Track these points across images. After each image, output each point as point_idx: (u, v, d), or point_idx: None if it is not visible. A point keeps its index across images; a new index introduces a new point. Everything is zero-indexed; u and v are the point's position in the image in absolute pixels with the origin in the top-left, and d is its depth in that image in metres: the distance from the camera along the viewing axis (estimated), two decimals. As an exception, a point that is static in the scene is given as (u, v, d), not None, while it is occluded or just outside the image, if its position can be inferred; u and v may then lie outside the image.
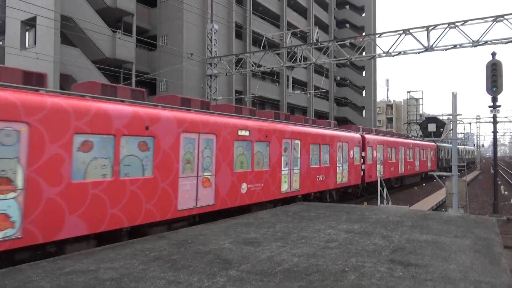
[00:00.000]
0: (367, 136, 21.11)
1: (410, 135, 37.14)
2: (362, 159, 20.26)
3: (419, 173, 32.30)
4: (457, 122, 14.30)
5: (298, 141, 14.53)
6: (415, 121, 46.70)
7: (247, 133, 11.84)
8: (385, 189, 16.39)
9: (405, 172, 27.91)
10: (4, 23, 23.52)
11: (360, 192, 20.89)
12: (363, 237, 7.82)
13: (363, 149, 20.44)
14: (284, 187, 13.67)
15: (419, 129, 48.47)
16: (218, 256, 6.25)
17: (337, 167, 17.50)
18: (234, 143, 11.25)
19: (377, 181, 21.12)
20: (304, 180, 14.84)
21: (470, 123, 57.37)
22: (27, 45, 22.47)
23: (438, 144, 37.97)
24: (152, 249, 6.71)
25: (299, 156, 14.59)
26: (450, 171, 15.05)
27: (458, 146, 54.67)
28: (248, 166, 11.92)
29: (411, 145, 29.35)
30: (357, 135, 20.00)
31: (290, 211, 11.32)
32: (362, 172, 20.15)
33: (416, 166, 30.74)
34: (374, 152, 21.83)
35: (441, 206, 20.14)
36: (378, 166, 22.39)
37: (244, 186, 11.60)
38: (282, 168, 13.56)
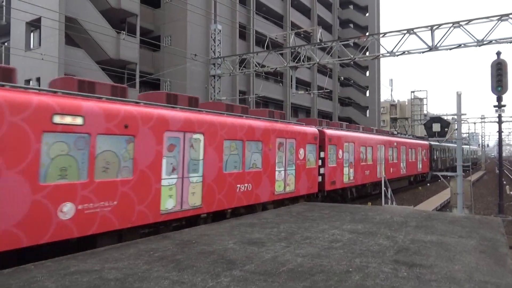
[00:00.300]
0: (328, 131, 16.68)
1: (397, 132, 30.86)
2: (321, 161, 15.95)
3: (406, 177, 27.39)
4: (462, 122, 14.23)
5: (199, 136, 10.08)
6: (403, 118, 43.49)
7: (78, 120, 7.46)
8: (389, 189, 16.22)
9: (387, 176, 22.76)
10: (9, 24, 23.69)
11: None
12: (367, 238, 7.80)
13: (322, 147, 16.08)
14: (168, 204, 9.16)
15: (407, 127, 45.43)
16: (222, 256, 6.25)
17: (276, 172, 13.06)
18: (42, 136, 6.88)
19: (344, 188, 18.01)
20: (210, 192, 10.32)
21: (475, 123, 57.11)
22: (32, 46, 22.62)
23: (431, 142, 33.46)
24: (156, 249, 6.73)
25: (201, 158, 10.10)
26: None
27: (463, 146, 50.57)
28: (81, 175, 7.45)
29: (395, 144, 24.61)
30: (311, 130, 15.36)
31: (294, 211, 11.31)
32: (320, 177, 15.82)
33: (402, 168, 25.78)
34: (340, 151, 17.35)
35: (445, 207, 20.04)
36: (346, 169, 17.92)
37: (68, 207, 7.16)
38: (164, 176, 9.08)
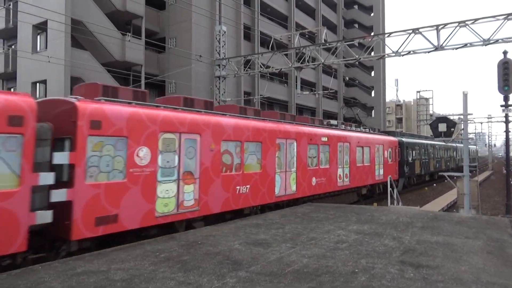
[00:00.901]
0: (90, 106, 7.52)
1: (340, 123, 19.71)
2: (60, 174, 7.14)
3: (351, 190, 18.10)
4: (468, 121, 14.14)
5: None
6: (363, 105, 36.19)
7: None
8: (395, 190, 16.11)
9: (309, 191, 14.40)
10: (16, 27, 23.91)
11: None
12: (373, 238, 7.77)
13: (73, 142, 7.29)
14: None
15: (360, 116, 32.28)
16: (227, 257, 6.26)
17: None
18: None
19: (156, 226, 8.58)
20: None
21: (481, 123, 56.69)
22: (38, 48, 22.80)
23: (404, 139, 25.87)
24: (162, 250, 6.76)
25: None
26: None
27: (454, 145, 46.54)
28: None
29: (325, 139, 15.64)
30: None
31: (300, 212, 11.29)
32: (50, 212, 6.70)
33: (341, 177, 16.72)
34: (144, 151, 8.36)
35: (452, 207, 19.91)
36: (168, 187, 8.85)
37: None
38: None
